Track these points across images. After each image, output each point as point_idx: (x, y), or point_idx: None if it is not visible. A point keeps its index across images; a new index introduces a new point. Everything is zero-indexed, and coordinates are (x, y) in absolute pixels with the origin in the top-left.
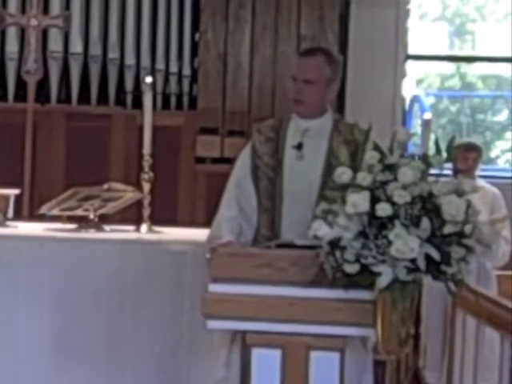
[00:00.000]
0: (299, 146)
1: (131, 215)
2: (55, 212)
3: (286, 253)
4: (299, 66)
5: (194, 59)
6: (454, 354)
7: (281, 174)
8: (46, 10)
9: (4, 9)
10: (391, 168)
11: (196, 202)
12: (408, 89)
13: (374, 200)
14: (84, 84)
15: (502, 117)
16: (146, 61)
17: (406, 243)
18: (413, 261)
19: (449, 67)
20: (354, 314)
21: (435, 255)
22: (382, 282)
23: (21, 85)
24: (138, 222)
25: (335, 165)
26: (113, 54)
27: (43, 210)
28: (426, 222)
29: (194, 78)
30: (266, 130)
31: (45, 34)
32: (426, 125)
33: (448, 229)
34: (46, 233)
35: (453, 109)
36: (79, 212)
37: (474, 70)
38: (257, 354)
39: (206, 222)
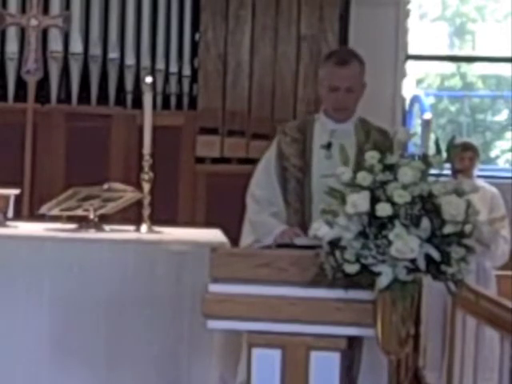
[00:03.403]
0: (329, 146)
1: (131, 215)
2: (55, 212)
3: (286, 253)
4: (339, 76)
5: (194, 59)
6: (453, 354)
7: (309, 175)
8: (46, 9)
9: (4, 9)
10: (391, 168)
11: (196, 202)
12: (408, 89)
13: (374, 200)
14: (84, 84)
15: (502, 117)
16: (146, 61)
17: (406, 243)
18: (413, 261)
19: (449, 67)
20: (354, 313)
21: (435, 255)
22: (382, 282)
23: (21, 85)
24: (138, 222)
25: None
26: (113, 53)
27: (43, 210)
28: (425, 222)
29: (194, 78)
30: (291, 131)
31: (45, 33)
32: (426, 125)
33: (448, 229)
34: (46, 233)
35: (453, 109)
36: (79, 212)
37: (473, 70)
38: (257, 353)
39: (206, 222)
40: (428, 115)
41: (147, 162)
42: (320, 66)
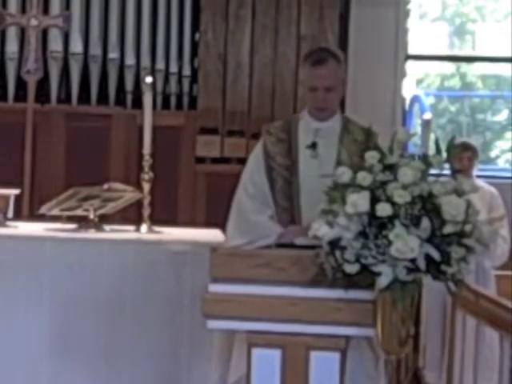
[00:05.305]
0: (313, 145)
1: (131, 215)
2: (55, 212)
3: (285, 253)
4: (316, 76)
5: (194, 59)
6: (453, 354)
7: (296, 174)
8: (46, 9)
9: (4, 9)
10: (391, 168)
11: (196, 202)
12: (408, 89)
13: (374, 200)
14: (84, 84)
15: (502, 117)
16: (145, 61)
17: (406, 243)
18: (413, 261)
19: (449, 67)
20: (354, 313)
21: (435, 255)
22: (382, 281)
23: (21, 85)
24: (138, 222)
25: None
26: (113, 53)
27: (43, 210)
28: (426, 222)
29: (194, 78)
30: (276, 131)
31: (45, 33)
32: (426, 125)
33: (448, 229)
34: (46, 233)
35: (452, 109)
36: (79, 212)
37: (473, 70)
38: (257, 353)
39: (206, 222)
40: (428, 115)
41: (147, 161)
42: (300, 67)
